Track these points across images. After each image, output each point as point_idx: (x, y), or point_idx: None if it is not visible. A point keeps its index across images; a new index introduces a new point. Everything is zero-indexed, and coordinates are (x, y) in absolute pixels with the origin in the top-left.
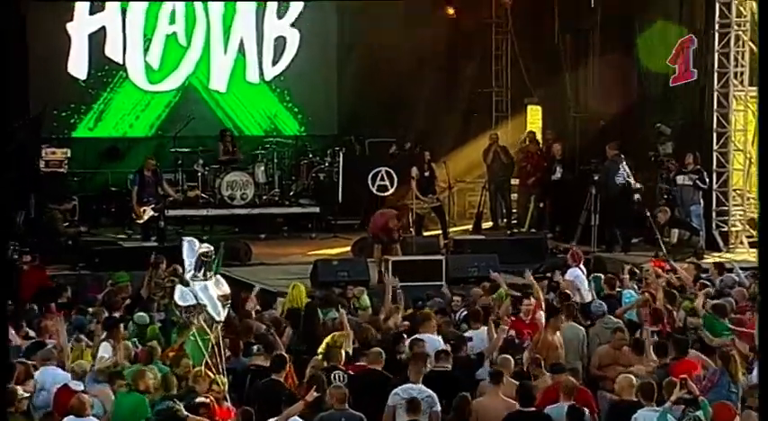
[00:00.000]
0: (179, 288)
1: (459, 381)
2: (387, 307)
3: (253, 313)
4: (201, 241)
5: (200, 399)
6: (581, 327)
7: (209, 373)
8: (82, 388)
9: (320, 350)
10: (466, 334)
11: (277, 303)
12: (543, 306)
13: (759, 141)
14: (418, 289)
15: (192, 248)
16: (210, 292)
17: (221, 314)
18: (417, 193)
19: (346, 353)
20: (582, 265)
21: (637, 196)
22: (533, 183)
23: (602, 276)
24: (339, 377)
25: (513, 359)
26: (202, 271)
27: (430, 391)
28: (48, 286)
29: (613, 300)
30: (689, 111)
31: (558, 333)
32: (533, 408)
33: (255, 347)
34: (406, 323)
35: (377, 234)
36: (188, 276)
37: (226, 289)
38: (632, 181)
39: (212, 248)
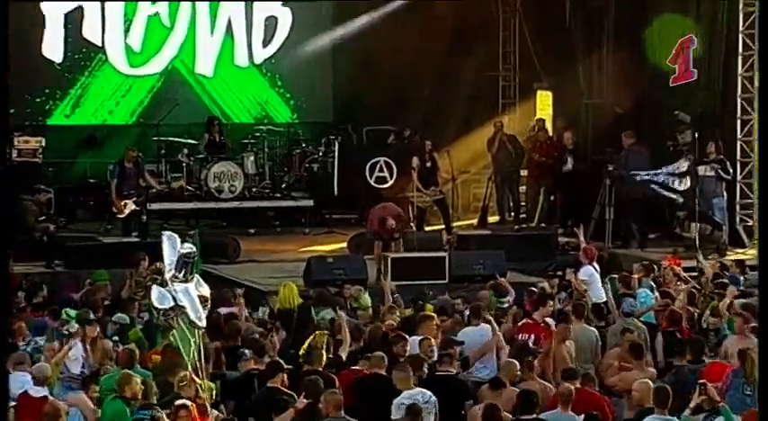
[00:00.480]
0: (156, 289)
1: (465, 387)
2: (385, 308)
3: (242, 315)
4: (184, 239)
5: (180, 401)
6: (593, 329)
7: (195, 379)
8: (45, 394)
9: (301, 352)
10: (461, 333)
11: (273, 300)
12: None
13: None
14: (420, 288)
15: (173, 246)
16: (192, 295)
17: (202, 318)
18: (419, 185)
19: (339, 357)
20: (595, 263)
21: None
22: (543, 175)
23: (614, 277)
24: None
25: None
26: (183, 272)
27: (431, 395)
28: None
29: (630, 299)
30: (710, 96)
31: (566, 342)
32: (533, 416)
33: (247, 352)
34: (392, 323)
35: (376, 230)
36: (167, 276)
37: (205, 290)
38: (677, 185)
39: (195, 249)
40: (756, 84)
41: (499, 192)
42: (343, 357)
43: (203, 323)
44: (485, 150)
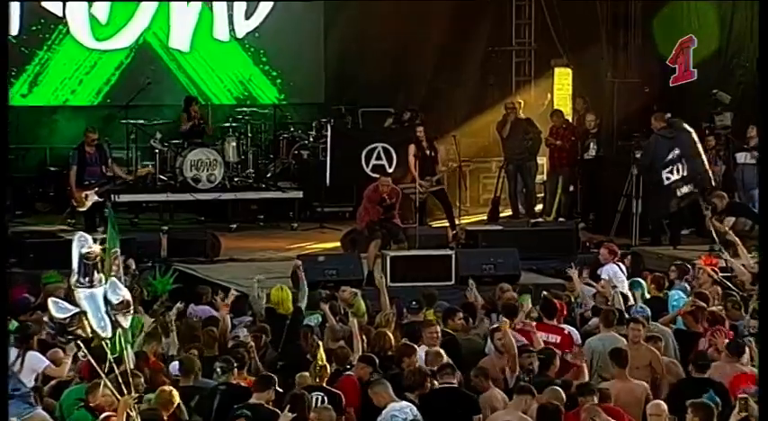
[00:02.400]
0: (51, 300)
1: (471, 400)
2: (383, 313)
3: (226, 320)
4: (164, 232)
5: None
6: (621, 338)
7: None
8: None
9: (319, 362)
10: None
11: (257, 303)
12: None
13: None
14: (428, 290)
15: (80, 247)
16: (97, 301)
17: (107, 328)
18: (415, 175)
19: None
20: (620, 262)
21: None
22: (561, 163)
23: (642, 280)
24: (319, 400)
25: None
26: (87, 276)
27: (416, 413)
28: None
29: (660, 303)
30: (752, 74)
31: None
32: None
33: (222, 364)
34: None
35: (370, 221)
36: (72, 281)
37: (123, 294)
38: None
39: (98, 249)
40: None
41: (512, 183)
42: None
43: (108, 333)
44: (496, 135)
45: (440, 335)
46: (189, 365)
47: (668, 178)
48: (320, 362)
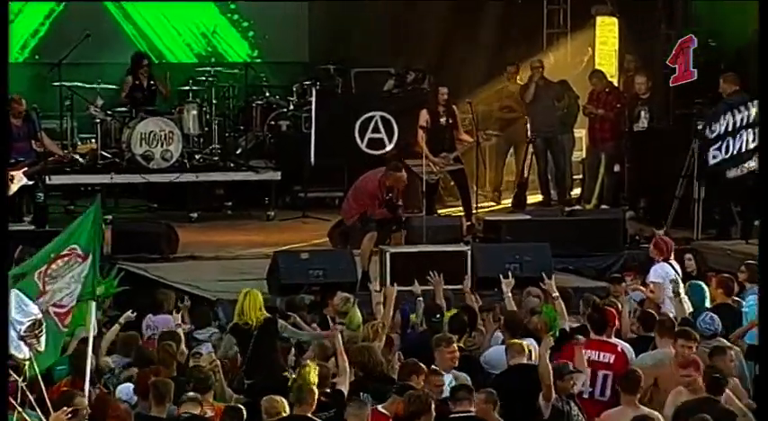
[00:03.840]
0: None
1: None
2: (371, 324)
3: (180, 337)
4: (108, 223)
5: None
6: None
7: None
8: None
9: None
10: None
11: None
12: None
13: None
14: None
15: None
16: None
17: (22, 349)
18: (426, 151)
19: (339, 391)
20: (674, 260)
21: None
22: (604, 137)
23: (704, 283)
24: None
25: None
26: None
27: None
28: None
29: (730, 313)
30: None
31: None
32: None
33: (190, 394)
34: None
35: (363, 212)
36: None
37: (32, 311)
38: None
39: None
40: None
41: (541, 162)
42: (345, 391)
43: (24, 354)
44: (521, 102)
45: (456, 355)
46: (163, 390)
47: (738, 153)
48: (307, 383)
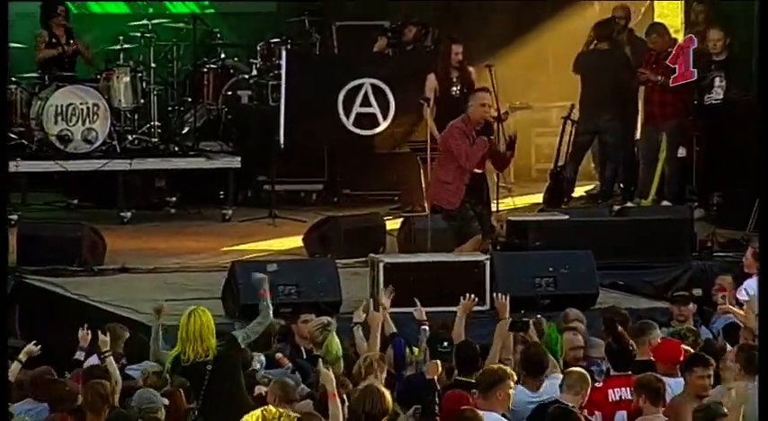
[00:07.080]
0: None
1: None
2: (365, 358)
3: (113, 370)
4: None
5: None
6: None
7: None
8: None
9: None
10: None
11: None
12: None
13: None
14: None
15: None
16: None
17: None
18: (434, 131)
19: None
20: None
21: None
22: (665, 112)
23: None
24: None
25: None
26: None
27: None
28: None
29: None
30: None
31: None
32: None
33: None
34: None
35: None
36: None
37: None
38: None
39: None
40: None
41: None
42: None
43: None
44: (559, 68)
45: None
46: None
47: None
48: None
